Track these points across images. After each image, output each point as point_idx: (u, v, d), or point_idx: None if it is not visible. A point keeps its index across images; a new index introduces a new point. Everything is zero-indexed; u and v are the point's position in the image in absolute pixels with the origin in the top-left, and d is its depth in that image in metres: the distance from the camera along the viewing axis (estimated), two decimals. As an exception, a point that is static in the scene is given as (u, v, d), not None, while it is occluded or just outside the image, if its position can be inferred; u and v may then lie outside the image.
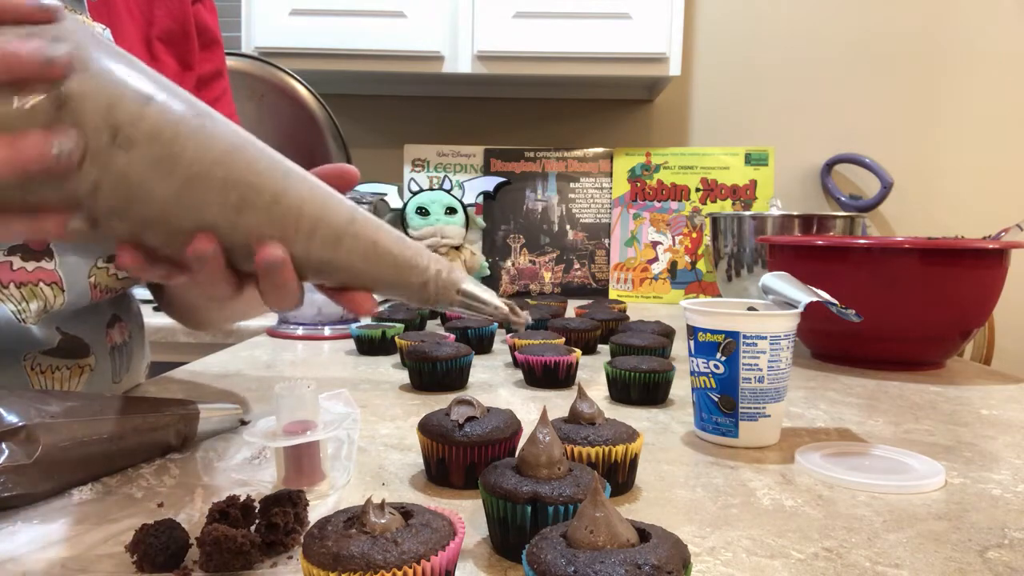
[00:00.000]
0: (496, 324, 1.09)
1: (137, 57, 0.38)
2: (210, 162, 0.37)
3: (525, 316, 0.46)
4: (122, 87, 0.36)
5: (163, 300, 0.83)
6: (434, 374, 0.81)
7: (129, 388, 0.80)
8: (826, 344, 1.03)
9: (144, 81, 0.37)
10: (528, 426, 0.65)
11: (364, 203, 1.21)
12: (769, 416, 0.62)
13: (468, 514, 0.47)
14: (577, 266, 1.80)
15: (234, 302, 0.76)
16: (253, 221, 0.38)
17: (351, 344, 1.10)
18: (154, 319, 1.34)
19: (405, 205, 1.69)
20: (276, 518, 0.41)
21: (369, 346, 1.03)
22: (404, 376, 0.89)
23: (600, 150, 1.81)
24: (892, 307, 0.94)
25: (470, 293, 0.43)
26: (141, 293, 0.85)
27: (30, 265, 0.62)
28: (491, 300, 0.44)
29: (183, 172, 0.37)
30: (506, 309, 0.45)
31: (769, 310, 0.64)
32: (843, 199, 1.91)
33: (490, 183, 1.79)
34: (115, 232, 0.38)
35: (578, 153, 1.81)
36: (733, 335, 0.61)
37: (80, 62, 0.35)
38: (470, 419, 0.53)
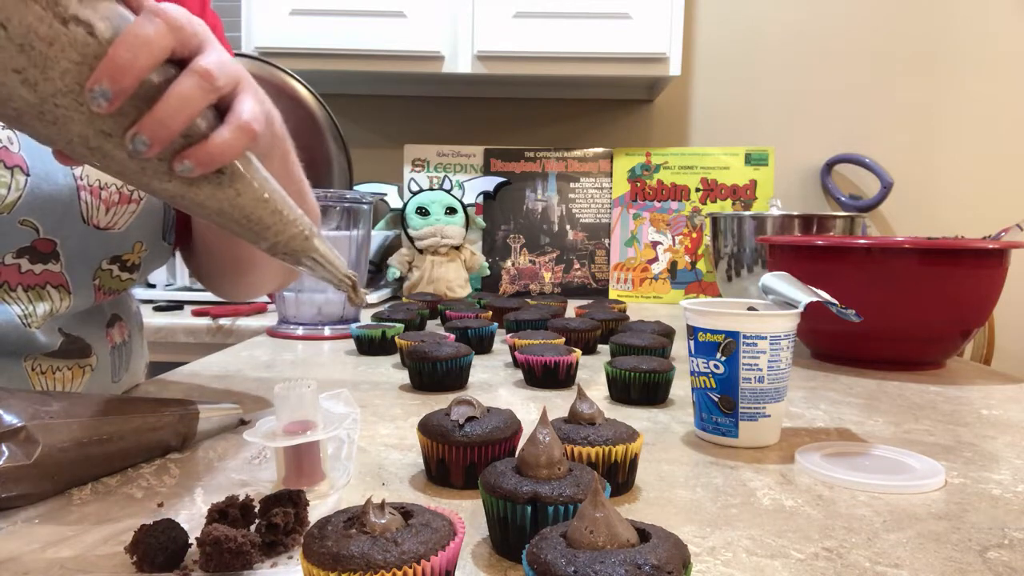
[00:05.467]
0: (496, 324, 1.09)
1: None
2: None
3: (363, 296, 0.52)
4: None
5: (203, 267, 0.81)
6: (434, 374, 0.81)
7: (129, 388, 0.79)
8: (826, 344, 1.03)
9: None
10: (528, 426, 0.65)
11: (364, 204, 1.21)
12: (769, 416, 0.62)
13: (468, 514, 0.47)
14: (577, 266, 1.80)
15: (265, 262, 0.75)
16: None
17: (351, 344, 1.10)
18: (153, 319, 1.34)
19: (405, 205, 1.69)
20: (276, 518, 0.41)
21: (369, 346, 1.03)
22: (404, 376, 0.89)
23: (600, 150, 1.81)
24: (892, 307, 0.94)
25: (322, 257, 0.48)
26: (140, 293, 0.85)
27: (37, 268, 0.62)
28: (338, 271, 0.49)
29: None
30: (350, 283, 0.50)
31: (769, 310, 0.64)
32: (843, 199, 1.91)
33: (490, 183, 1.79)
34: None
35: (578, 153, 1.81)
36: (733, 335, 0.61)
37: None
38: (470, 419, 0.53)
